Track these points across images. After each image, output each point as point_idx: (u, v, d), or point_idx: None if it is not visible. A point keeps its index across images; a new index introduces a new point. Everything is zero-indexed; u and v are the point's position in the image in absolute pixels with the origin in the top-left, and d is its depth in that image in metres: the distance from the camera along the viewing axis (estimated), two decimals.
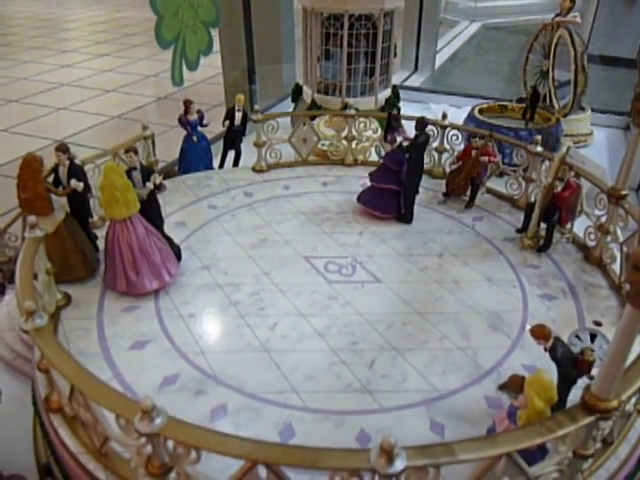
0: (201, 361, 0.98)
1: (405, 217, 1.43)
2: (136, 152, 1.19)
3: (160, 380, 0.94)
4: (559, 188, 1.24)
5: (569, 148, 1.22)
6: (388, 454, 0.56)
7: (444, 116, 1.59)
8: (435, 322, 1.08)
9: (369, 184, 1.45)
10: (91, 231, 1.26)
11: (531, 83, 2.17)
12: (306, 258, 1.27)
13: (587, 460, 0.71)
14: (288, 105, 2.36)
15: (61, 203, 1.17)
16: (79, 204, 1.20)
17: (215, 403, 0.90)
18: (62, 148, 1.15)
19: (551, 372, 0.76)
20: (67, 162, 1.16)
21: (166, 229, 1.25)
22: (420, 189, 1.41)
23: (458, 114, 2.15)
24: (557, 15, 2.07)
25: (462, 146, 1.55)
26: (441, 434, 0.85)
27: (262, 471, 0.62)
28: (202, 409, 0.89)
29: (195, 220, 1.42)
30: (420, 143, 1.37)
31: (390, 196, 1.42)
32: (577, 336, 1.02)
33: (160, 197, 1.51)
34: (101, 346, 1.01)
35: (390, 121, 1.40)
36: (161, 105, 3.50)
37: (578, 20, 2.02)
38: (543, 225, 1.29)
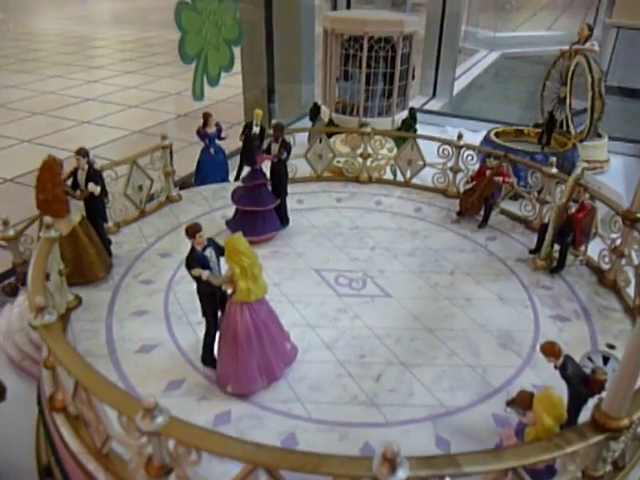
0: (207, 367, 0.98)
1: (285, 221, 1.45)
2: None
3: (165, 384, 0.94)
4: (573, 209, 1.24)
5: (584, 169, 1.21)
6: (391, 462, 0.55)
7: (459, 136, 1.60)
8: (444, 339, 1.07)
9: (237, 214, 1.39)
10: (106, 236, 1.27)
11: (548, 109, 2.17)
12: (317, 271, 1.27)
13: None
14: (306, 124, 2.38)
15: (78, 206, 1.19)
16: (95, 208, 1.22)
17: (219, 409, 0.89)
18: (82, 152, 1.17)
19: (562, 392, 0.74)
20: (86, 166, 1.17)
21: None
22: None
23: (475, 138, 2.14)
24: (575, 43, 2.08)
25: (477, 166, 1.55)
26: (447, 450, 0.83)
27: (262, 476, 0.61)
28: (206, 415, 0.88)
29: (208, 230, 1.40)
30: (288, 147, 1.40)
31: (271, 213, 1.38)
32: (589, 358, 0.99)
33: (175, 207, 1.54)
34: (108, 348, 1.02)
35: (256, 144, 1.44)
36: (181, 122, 3.56)
37: (596, 48, 2.02)
38: (557, 247, 1.28)
